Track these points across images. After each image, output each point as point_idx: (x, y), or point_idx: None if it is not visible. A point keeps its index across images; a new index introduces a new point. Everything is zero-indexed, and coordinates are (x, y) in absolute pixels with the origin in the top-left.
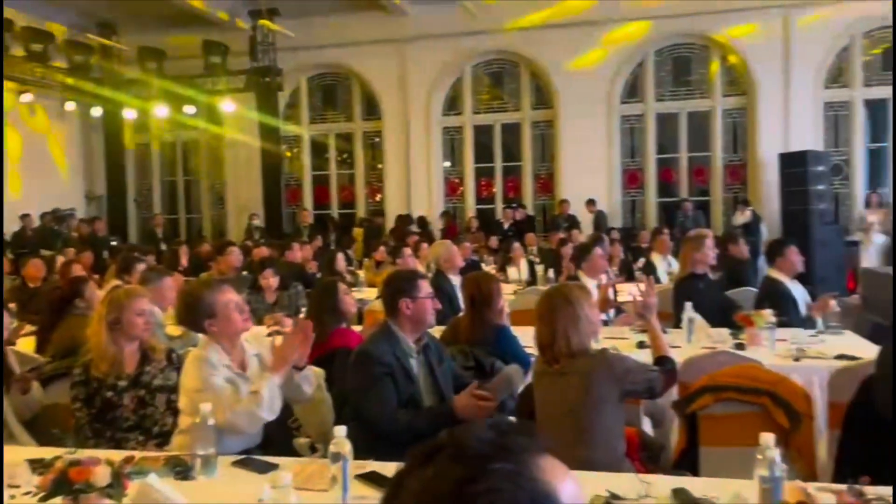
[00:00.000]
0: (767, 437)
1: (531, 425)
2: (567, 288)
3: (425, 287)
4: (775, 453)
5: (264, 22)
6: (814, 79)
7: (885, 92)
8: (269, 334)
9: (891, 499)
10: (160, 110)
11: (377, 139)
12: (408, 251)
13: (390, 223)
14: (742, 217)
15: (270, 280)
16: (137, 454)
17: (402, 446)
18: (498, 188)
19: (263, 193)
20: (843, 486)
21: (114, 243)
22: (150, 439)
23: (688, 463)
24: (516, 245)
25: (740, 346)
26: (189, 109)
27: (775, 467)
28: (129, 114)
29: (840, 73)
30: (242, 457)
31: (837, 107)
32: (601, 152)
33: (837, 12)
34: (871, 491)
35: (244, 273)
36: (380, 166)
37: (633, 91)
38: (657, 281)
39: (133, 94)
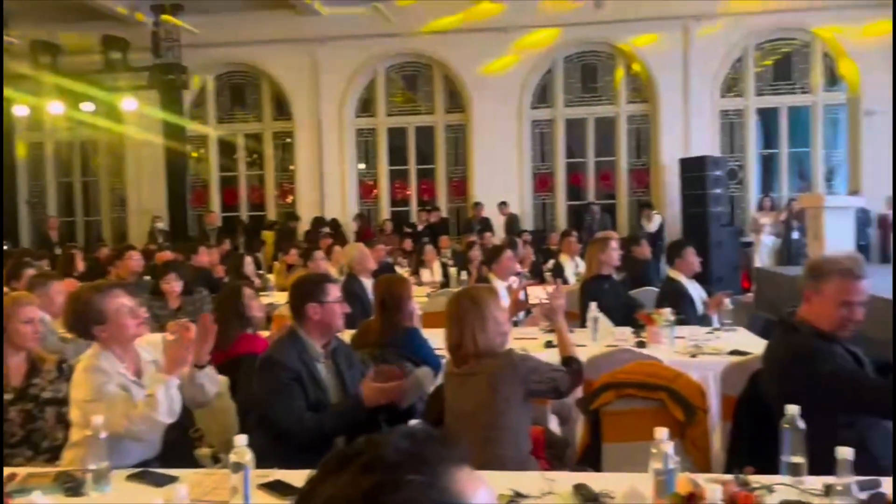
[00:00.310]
0: (661, 432)
1: (446, 432)
2: (475, 290)
3: (334, 291)
4: (669, 447)
5: (167, 17)
6: (711, 87)
7: (775, 101)
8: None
9: (772, 486)
10: (55, 107)
11: (288, 140)
12: (320, 254)
13: (304, 225)
14: (651, 223)
15: (173, 285)
16: (22, 471)
17: (309, 453)
18: (412, 190)
19: (167, 195)
20: (729, 476)
21: (4, 247)
22: (39, 455)
23: (591, 459)
24: (429, 248)
25: (641, 344)
26: (87, 107)
27: (669, 460)
28: (19, 111)
29: (735, 82)
30: (139, 470)
31: (732, 114)
32: (513, 156)
33: (733, 25)
34: (756, 480)
35: (146, 278)
36: (291, 168)
37: (543, 96)
38: (565, 282)
39: (24, 91)
